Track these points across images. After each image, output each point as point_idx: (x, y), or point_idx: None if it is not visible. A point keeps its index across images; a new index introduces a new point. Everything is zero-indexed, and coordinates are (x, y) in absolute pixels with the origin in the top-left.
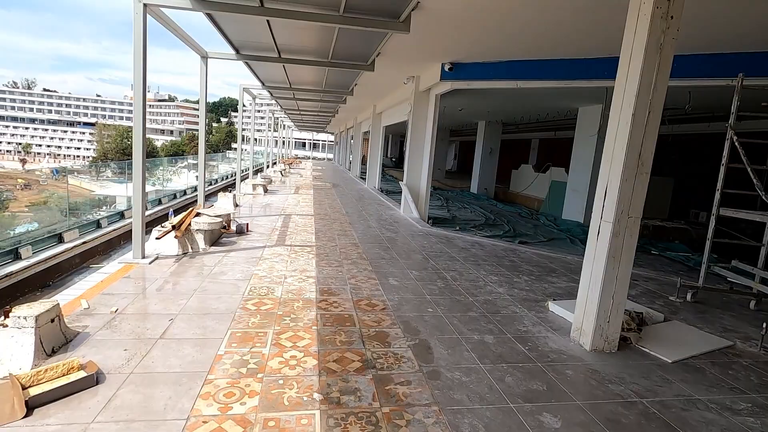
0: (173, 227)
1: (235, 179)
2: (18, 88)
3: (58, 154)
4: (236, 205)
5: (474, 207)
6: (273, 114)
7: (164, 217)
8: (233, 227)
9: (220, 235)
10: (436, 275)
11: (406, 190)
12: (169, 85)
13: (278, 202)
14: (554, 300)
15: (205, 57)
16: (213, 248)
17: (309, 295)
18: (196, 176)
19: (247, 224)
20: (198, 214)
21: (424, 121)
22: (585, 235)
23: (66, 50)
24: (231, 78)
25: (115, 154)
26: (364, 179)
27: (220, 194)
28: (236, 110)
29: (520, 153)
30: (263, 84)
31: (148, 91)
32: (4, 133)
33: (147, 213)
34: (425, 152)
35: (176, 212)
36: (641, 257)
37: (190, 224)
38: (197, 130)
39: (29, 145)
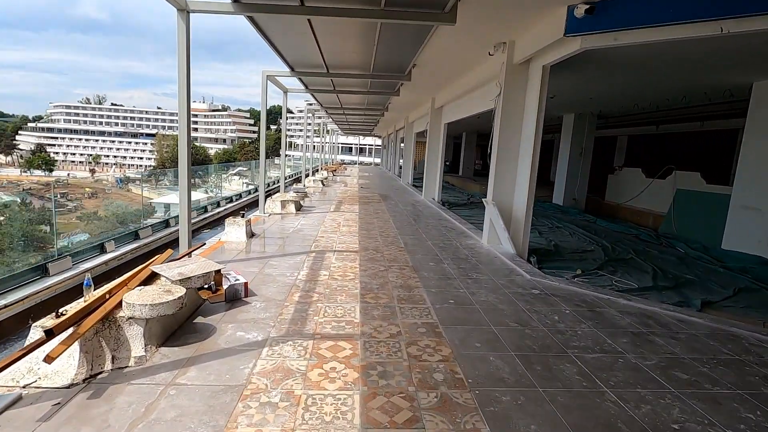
0: (60, 327)
1: (273, 188)
2: (90, 103)
3: (123, 164)
4: (252, 235)
5: (570, 227)
6: (313, 114)
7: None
8: (225, 287)
9: (196, 309)
10: None
11: (494, 211)
12: (224, 96)
13: (311, 228)
14: None
15: (184, 10)
16: (162, 354)
17: None
18: (245, 183)
19: (246, 284)
20: (149, 277)
21: (520, 109)
22: None
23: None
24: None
25: (170, 163)
26: (418, 188)
27: (229, 221)
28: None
29: (602, 153)
30: (292, 69)
31: (203, 102)
32: (77, 146)
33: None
34: (524, 154)
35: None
36: None
37: (111, 313)
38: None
39: (98, 156)
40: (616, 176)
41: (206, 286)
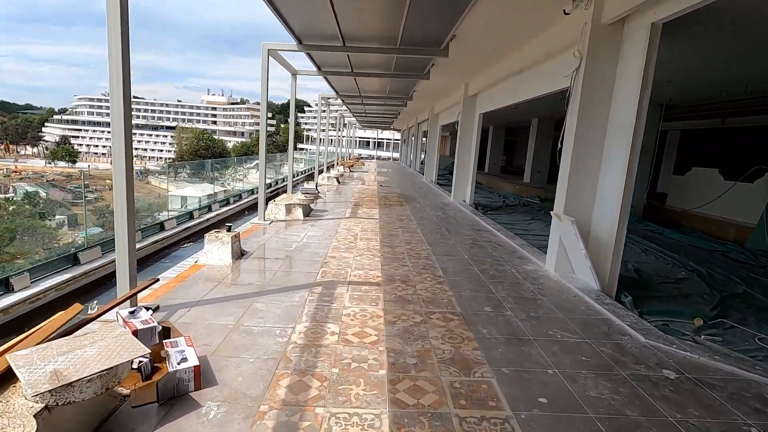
0: None
1: (278, 187)
2: None
3: (144, 156)
4: (241, 255)
5: (637, 240)
6: (328, 105)
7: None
8: (163, 380)
9: (101, 422)
10: None
11: (573, 230)
12: (245, 90)
13: (320, 241)
14: None
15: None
16: None
17: None
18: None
19: (197, 369)
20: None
21: (607, 88)
22: None
23: (157, 62)
24: (301, 82)
25: (189, 155)
26: (443, 186)
27: (210, 236)
28: (303, 111)
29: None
30: (299, 41)
31: (222, 95)
32: (100, 138)
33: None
34: (614, 151)
35: None
36: None
37: None
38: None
39: None
40: (683, 178)
41: (135, 367)
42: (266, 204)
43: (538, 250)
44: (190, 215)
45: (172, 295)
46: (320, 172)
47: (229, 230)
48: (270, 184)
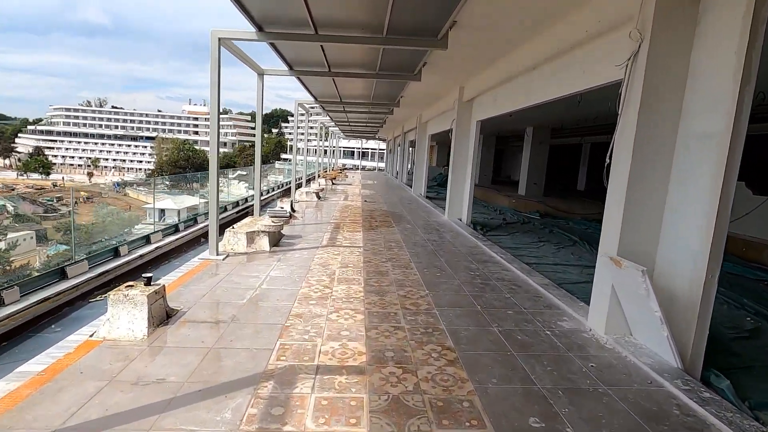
0: None
1: (248, 206)
2: (91, 106)
3: (123, 168)
4: (166, 319)
5: None
6: (309, 114)
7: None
8: None
9: None
10: None
11: (636, 282)
12: (227, 99)
13: (285, 287)
14: None
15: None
16: None
17: None
18: (246, 187)
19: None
20: None
21: (680, 77)
22: None
23: (138, 71)
24: (284, 92)
25: (168, 166)
26: (433, 201)
27: (115, 297)
28: (287, 121)
29: None
30: (260, 29)
31: (203, 105)
32: (76, 149)
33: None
34: (690, 166)
35: None
36: None
37: None
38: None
39: (97, 160)
40: None
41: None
42: (222, 232)
43: (568, 293)
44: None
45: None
46: (298, 186)
47: (148, 283)
48: (237, 202)
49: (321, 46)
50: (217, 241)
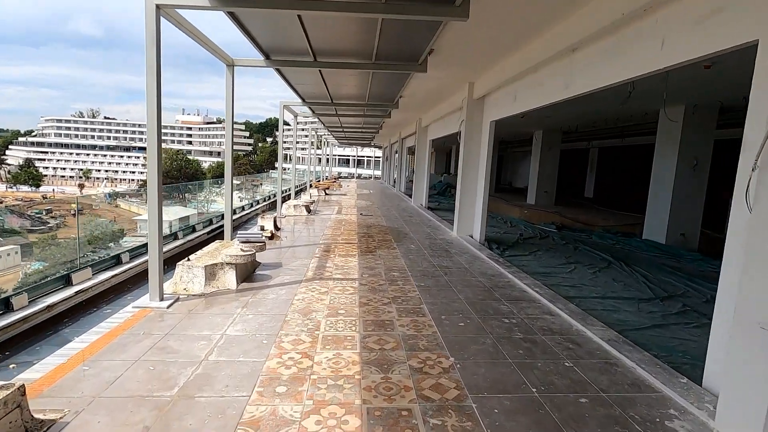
0: None
1: (249, 212)
2: (83, 117)
3: (115, 179)
4: None
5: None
6: (296, 116)
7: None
8: None
9: None
10: None
11: None
12: (221, 109)
13: (235, 369)
14: None
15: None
16: None
17: None
18: (240, 197)
19: None
20: None
21: None
22: None
23: (132, 82)
24: (278, 101)
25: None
26: (435, 212)
27: None
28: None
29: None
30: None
31: (197, 115)
32: (68, 160)
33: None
34: None
35: None
36: None
37: None
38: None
39: (89, 171)
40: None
41: None
42: (186, 260)
43: (652, 358)
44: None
45: None
46: (286, 198)
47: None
48: (243, 207)
49: (302, 25)
50: (161, 281)
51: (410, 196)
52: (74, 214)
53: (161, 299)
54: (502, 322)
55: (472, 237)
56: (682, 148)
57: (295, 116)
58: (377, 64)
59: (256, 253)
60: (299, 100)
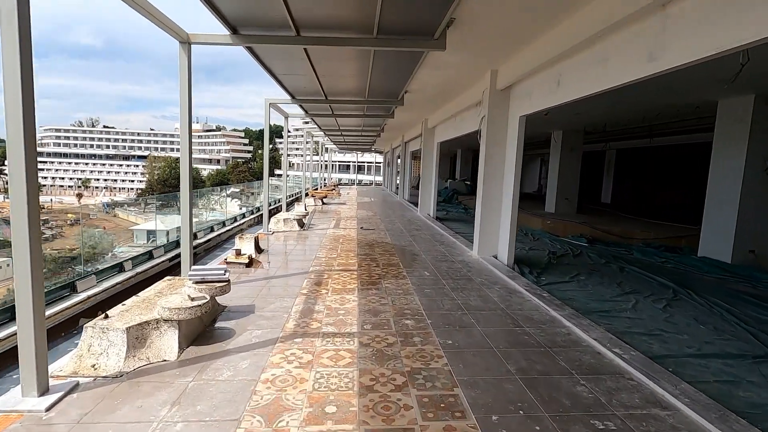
0: None
1: (243, 223)
2: (83, 126)
3: (114, 188)
4: None
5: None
6: (287, 117)
7: None
8: None
9: None
10: None
11: None
12: (221, 117)
13: None
14: None
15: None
16: None
17: None
18: (239, 205)
19: None
20: None
21: None
22: None
23: (133, 92)
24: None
25: (158, 185)
26: (445, 222)
27: None
28: (280, 136)
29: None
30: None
31: (197, 123)
32: (66, 169)
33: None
34: None
35: None
36: None
37: None
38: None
39: (88, 180)
40: None
41: None
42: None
43: None
44: None
45: None
46: (274, 212)
47: None
48: (244, 214)
49: None
50: (41, 360)
51: (415, 204)
52: (70, 225)
53: (41, 392)
54: (588, 424)
55: (496, 258)
56: (751, 146)
57: (286, 117)
58: (380, 39)
59: (222, 294)
60: (288, 97)
